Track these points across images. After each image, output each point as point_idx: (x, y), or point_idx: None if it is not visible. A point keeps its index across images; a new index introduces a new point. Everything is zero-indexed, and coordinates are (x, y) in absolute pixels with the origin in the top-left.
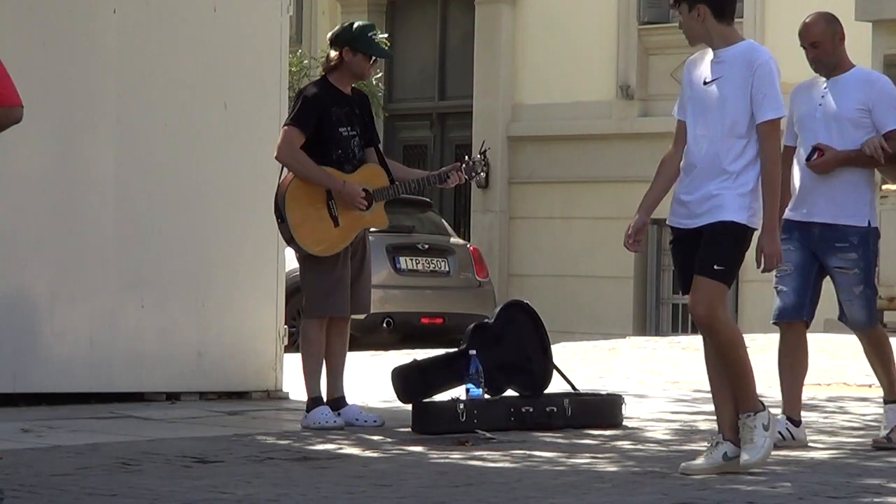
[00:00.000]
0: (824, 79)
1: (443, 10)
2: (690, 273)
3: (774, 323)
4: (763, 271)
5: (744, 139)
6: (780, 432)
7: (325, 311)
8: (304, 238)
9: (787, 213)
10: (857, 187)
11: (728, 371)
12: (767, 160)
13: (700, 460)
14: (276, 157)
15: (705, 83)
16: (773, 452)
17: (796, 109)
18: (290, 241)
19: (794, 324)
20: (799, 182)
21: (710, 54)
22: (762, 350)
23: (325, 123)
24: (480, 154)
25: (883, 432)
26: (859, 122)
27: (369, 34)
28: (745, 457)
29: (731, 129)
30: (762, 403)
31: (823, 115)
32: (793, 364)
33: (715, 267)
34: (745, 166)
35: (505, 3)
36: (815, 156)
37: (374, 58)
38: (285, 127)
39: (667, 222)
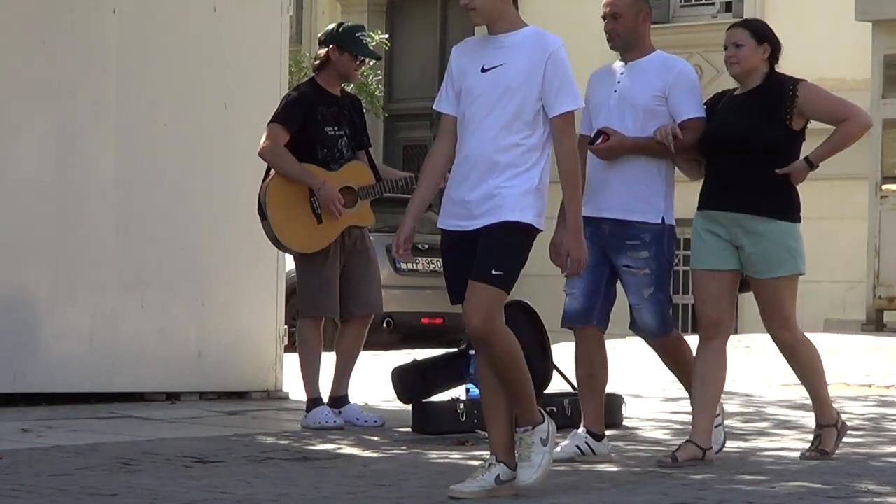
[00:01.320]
0: (623, 63)
1: (443, 10)
2: (463, 281)
3: (564, 327)
4: (568, 276)
5: (528, 132)
6: (578, 447)
7: (314, 311)
8: (287, 235)
9: (586, 210)
10: (651, 180)
11: (505, 383)
12: (565, 156)
13: (468, 483)
14: (259, 153)
15: (483, 70)
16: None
17: (592, 96)
18: (273, 239)
19: (585, 329)
20: (589, 175)
21: (487, 40)
22: (762, 350)
23: (311, 122)
24: None
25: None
26: (655, 111)
27: (356, 34)
28: (521, 476)
29: (515, 121)
30: (543, 414)
31: (618, 101)
32: (591, 374)
33: (493, 272)
34: (530, 162)
35: None
36: (600, 140)
37: (360, 58)
38: (270, 124)
39: (437, 225)
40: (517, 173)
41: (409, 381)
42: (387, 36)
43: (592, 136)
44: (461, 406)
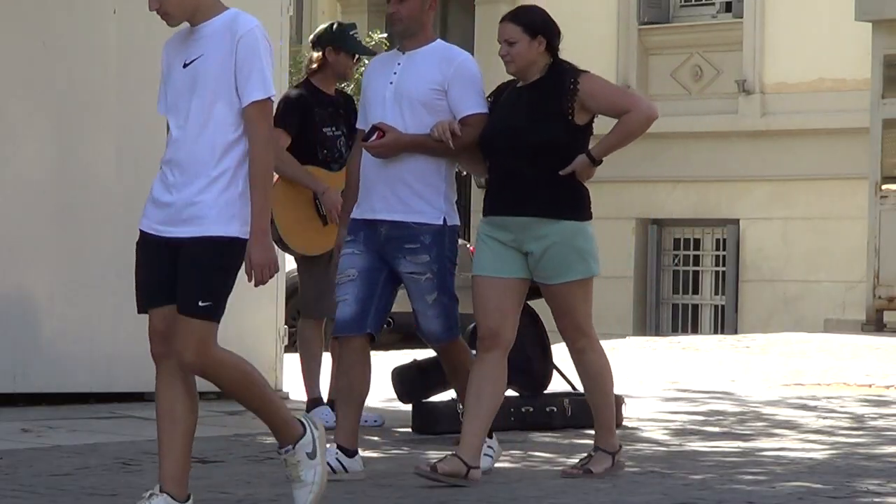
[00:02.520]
0: (401, 52)
1: (443, 10)
2: (158, 286)
3: (334, 337)
4: (255, 285)
5: (231, 131)
6: (329, 464)
7: (319, 312)
8: (292, 237)
9: (354, 212)
10: (430, 179)
11: (251, 410)
12: (254, 148)
13: None
14: None
15: (185, 66)
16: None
17: (367, 88)
18: (279, 241)
19: (353, 339)
20: (363, 174)
21: (189, 32)
22: (762, 350)
23: (309, 124)
24: None
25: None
26: (434, 106)
27: (350, 33)
28: (297, 500)
29: (213, 119)
30: (304, 423)
31: (394, 94)
32: (351, 385)
33: (200, 304)
34: (233, 166)
35: (505, 3)
36: (374, 136)
37: (356, 56)
38: None
39: (139, 227)
40: (218, 179)
41: (409, 381)
42: (386, 35)
43: (367, 132)
44: (461, 406)
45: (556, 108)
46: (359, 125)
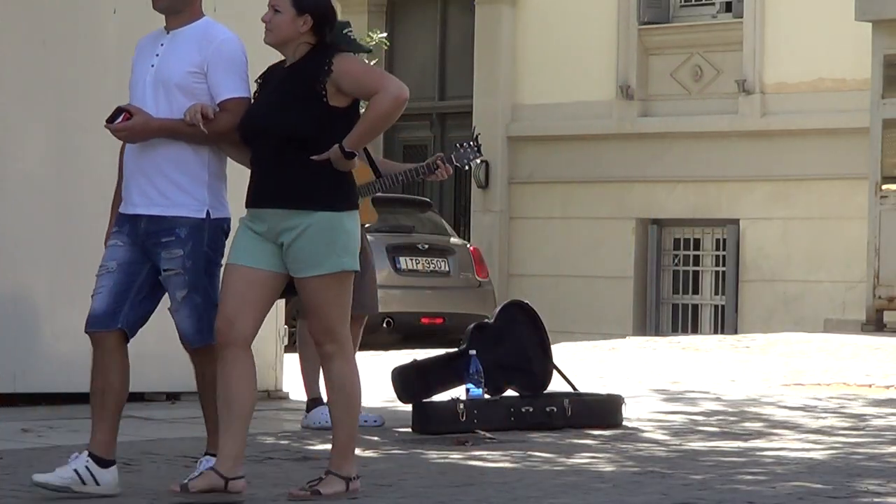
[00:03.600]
0: (167, 33)
1: (443, 10)
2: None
3: (87, 332)
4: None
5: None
6: (77, 471)
7: None
8: None
9: (121, 206)
10: (190, 168)
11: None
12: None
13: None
14: None
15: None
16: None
17: (133, 70)
18: None
19: (106, 336)
20: (124, 166)
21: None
22: (762, 350)
23: None
24: (472, 142)
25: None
26: (192, 89)
27: (344, 31)
28: None
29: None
30: None
31: (154, 78)
32: (105, 388)
33: None
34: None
35: (505, 3)
36: (121, 118)
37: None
38: None
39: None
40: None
41: (409, 381)
42: (386, 35)
43: (111, 114)
44: (461, 406)
45: (311, 89)
46: None
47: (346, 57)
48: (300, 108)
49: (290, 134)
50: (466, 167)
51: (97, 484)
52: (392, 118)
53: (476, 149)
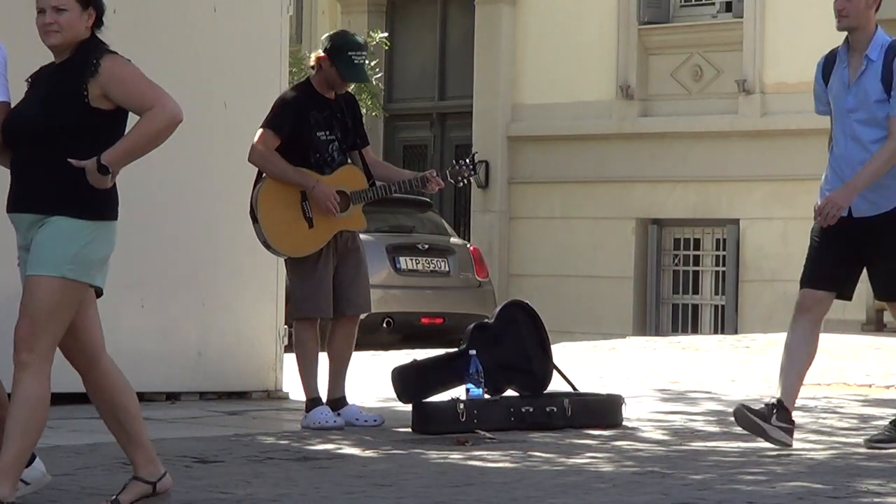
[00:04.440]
0: None
1: (443, 10)
2: None
3: None
4: None
5: None
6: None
7: (307, 312)
8: (278, 240)
9: None
10: None
11: None
12: None
13: None
14: (249, 159)
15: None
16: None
17: None
18: (265, 242)
19: None
20: None
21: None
22: (762, 350)
23: (304, 127)
24: (467, 160)
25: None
26: None
27: (349, 52)
28: None
29: None
30: None
31: None
32: None
33: None
34: None
35: (505, 3)
36: None
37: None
38: (260, 129)
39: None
40: None
41: (409, 381)
42: (386, 35)
43: None
44: (461, 406)
45: (72, 89)
46: None
47: (117, 59)
48: (59, 109)
49: (42, 132)
50: (460, 184)
51: (25, 483)
52: (161, 139)
53: (472, 168)
